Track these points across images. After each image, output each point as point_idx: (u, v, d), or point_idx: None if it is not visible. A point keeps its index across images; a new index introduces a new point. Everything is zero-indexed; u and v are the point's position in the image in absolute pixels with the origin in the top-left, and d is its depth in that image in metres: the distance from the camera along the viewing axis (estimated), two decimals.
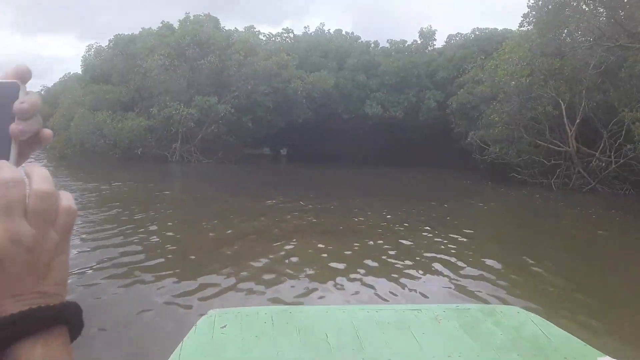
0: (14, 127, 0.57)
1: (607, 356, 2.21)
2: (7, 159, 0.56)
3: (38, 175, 0.53)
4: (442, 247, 10.86)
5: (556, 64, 23.62)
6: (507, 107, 23.19)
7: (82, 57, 44.49)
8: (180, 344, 2.20)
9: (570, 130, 23.30)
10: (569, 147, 23.50)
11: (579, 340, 2.41)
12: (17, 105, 0.58)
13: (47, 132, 0.60)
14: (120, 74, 33.68)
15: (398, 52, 41.07)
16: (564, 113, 23.02)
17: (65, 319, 0.52)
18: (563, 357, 2.22)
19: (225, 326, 2.38)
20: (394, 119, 38.07)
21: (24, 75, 0.60)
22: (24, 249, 0.49)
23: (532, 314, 2.74)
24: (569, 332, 2.52)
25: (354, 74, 38.77)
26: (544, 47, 23.90)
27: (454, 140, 36.86)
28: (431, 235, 12.20)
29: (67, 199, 0.54)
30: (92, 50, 43.61)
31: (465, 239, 11.84)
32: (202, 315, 2.52)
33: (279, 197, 17.66)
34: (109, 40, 41.34)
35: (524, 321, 2.64)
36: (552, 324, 2.60)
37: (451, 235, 12.01)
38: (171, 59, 31.61)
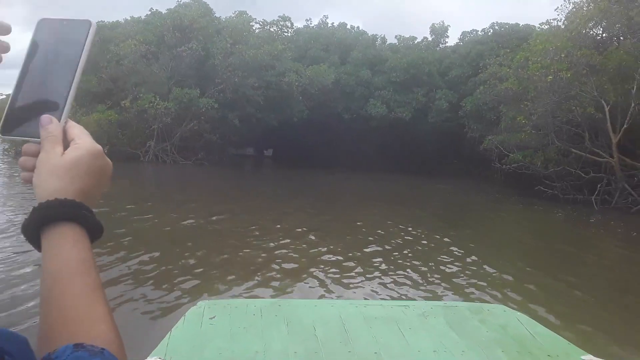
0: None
1: (591, 355, 2.23)
2: (60, 114, 0.71)
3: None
4: None
5: (595, 58, 19.60)
6: (540, 107, 19.06)
7: None
8: (168, 334, 2.19)
9: (614, 138, 19.23)
10: (612, 158, 19.42)
11: (563, 339, 2.41)
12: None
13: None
14: (93, 62, 29.72)
15: (407, 49, 37.08)
16: (608, 117, 18.96)
17: (75, 218, 0.68)
18: (547, 355, 2.24)
19: (214, 317, 2.38)
20: (400, 120, 34.03)
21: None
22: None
23: (519, 313, 2.71)
24: (554, 332, 2.50)
25: (357, 69, 34.76)
26: (582, 38, 19.95)
27: (467, 146, 32.97)
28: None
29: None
30: None
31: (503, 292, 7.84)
32: (191, 306, 2.45)
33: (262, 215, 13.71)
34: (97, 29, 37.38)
35: (510, 319, 2.63)
36: (538, 323, 2.58)
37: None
38: (148, 45, 27.69)
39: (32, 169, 0.71)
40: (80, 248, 0.67)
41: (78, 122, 0.71)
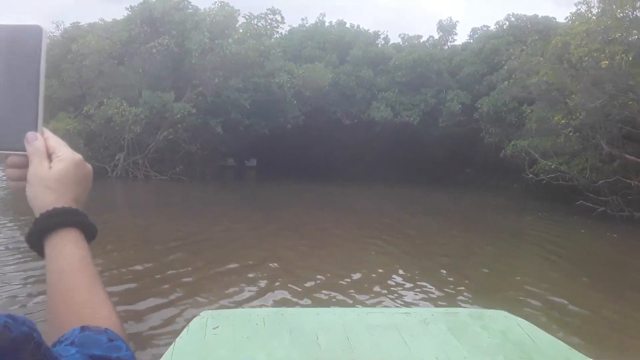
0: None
1: None
2: (35, 125, 0.73)
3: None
4: None
5: None
6: (589, 102, 15.08)
7: None
8: (172, 345, 2.19)
9: None
10: None
11: (565, 344, 2.36)
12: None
13: None
14: (54, 64, 25.94)
15: (412, 47, 33.33)
16: None
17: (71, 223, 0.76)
18: None
19: (217, 327, 2.37)
20: (407, 125, 30.18)
21: None
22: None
23: (520, 319, 2.65)
24: (555, 337, 2.43)
25: (357, 68, 30.89)
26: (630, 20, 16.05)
27: (483, 152, 29.15)
28: None
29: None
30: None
31: None
32: (194, 316, 2.38)
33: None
34: (64, 30, 33.81)
35: (511, 325, 2.60)
36: (539, 328, 2.54)
37: None
38: (114, 42, 23.95)
39: (19, 179, 0.77)
40: (80, 247, 0.75)
41: None
